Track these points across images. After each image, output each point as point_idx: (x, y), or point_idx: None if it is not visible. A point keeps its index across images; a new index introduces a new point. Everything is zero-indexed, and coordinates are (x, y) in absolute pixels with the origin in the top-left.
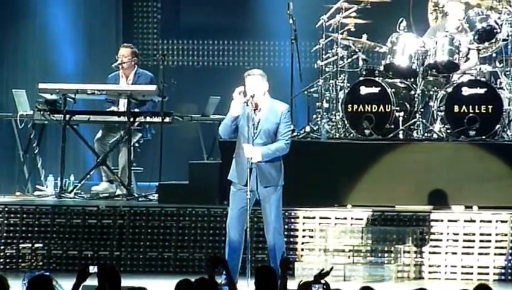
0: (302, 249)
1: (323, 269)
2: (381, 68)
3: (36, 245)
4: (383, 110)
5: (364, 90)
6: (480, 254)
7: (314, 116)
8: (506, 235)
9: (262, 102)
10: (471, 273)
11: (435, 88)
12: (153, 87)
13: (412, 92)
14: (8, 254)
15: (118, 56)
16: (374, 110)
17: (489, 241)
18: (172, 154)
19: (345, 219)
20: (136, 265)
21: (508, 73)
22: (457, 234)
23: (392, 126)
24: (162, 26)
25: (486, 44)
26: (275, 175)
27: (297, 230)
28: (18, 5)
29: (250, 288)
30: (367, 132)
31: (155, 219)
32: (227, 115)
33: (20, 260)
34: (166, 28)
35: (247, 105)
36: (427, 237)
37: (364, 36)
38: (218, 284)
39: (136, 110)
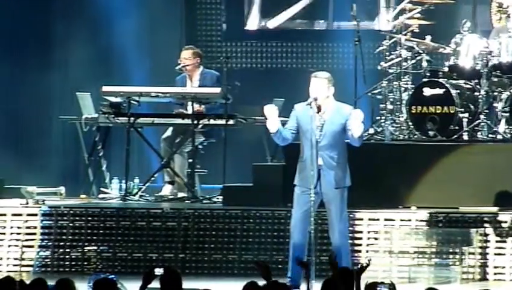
0: (367, 251)
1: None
2: (445, 69)
3: (101, 248)
4: (447, 111)
5: (428, 91)
6: None
7: (378, 118)
8: None
9: (326, 104)
10: None
11: (499, 89)
12: (217, 90)
13: (476, 93)
14: (73, 256)
15: (180, 60)
16: (438, 112)
17: None
18: (236, 157)
19: (410, 220)
20: (200, 267)
21: None
22: None
23: (457, 127)
24: (226, 28)
25: None
26: (341, 176)
27: (361, 232)
28: (82, 9)
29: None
30: (431, 133)
31: (219, 221)
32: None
33: (85, 263)
34: (229, 30)
35: (310, 107)
36: (491, 238)
37: (428, 37)
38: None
39: (203, 108)
